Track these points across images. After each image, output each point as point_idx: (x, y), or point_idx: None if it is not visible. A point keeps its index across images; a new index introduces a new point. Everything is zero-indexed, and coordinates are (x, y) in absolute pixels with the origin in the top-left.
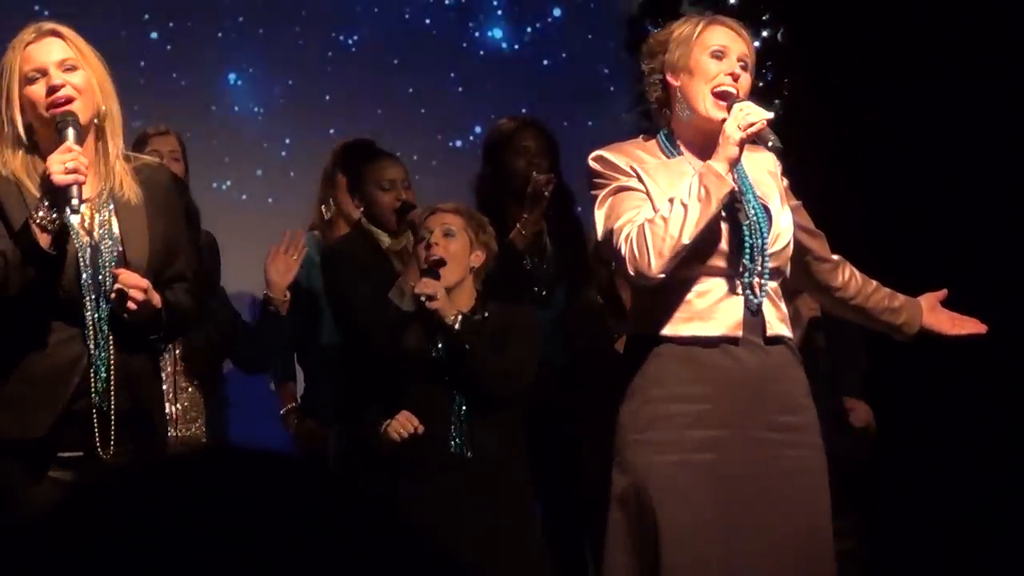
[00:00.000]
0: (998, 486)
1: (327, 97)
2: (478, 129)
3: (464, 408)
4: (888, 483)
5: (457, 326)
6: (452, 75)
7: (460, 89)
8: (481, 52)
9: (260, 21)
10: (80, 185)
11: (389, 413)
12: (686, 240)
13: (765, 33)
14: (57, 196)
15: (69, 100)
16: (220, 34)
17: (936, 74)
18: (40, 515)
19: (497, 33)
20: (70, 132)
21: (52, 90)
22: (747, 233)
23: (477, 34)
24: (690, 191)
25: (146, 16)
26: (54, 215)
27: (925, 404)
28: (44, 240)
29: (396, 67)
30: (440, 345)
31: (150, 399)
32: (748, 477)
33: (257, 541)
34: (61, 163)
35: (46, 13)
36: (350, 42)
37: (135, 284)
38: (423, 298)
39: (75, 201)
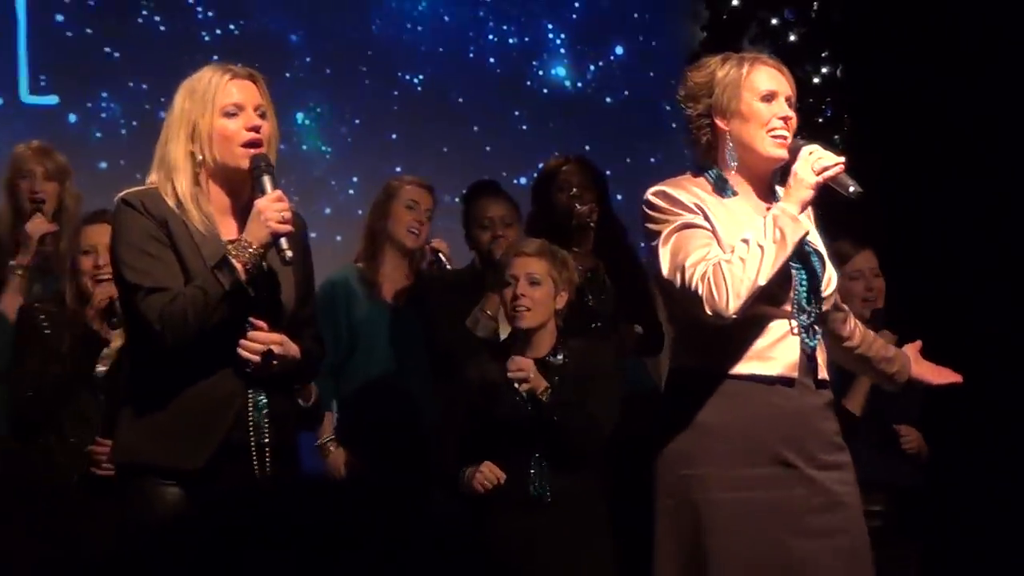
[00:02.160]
0: None
1: (393, 136)
2: (541, 166)
3: (543, 459)
4: (947, 511)
5: (546, 399)
6: (516, 113)
7: (524, 127)
8: (544, 90)
9: (328, 62)
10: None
11: (470, 455)
12: (762, 282)
13: (825, 70)
14: (265, 243)
15: (261, 144)
16: (288, 74)
17: (992, 108)
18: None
19: (560, 71)
20: (268, 179)
21: (254, 129)
22: (806, 276)
23: (540, 73)
24: (765, 232)
25: (215, 56)
26: (258, 258)
27: (982, 433)
28: (234, 281)
29: (461, 105)
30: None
31: (291, 435)
32: (801, 513)
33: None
34: (279, 212)
35: (115, 54)
36: (415, 81)
37: (269, 341)
38: (516, 383)
39: (287, 253)
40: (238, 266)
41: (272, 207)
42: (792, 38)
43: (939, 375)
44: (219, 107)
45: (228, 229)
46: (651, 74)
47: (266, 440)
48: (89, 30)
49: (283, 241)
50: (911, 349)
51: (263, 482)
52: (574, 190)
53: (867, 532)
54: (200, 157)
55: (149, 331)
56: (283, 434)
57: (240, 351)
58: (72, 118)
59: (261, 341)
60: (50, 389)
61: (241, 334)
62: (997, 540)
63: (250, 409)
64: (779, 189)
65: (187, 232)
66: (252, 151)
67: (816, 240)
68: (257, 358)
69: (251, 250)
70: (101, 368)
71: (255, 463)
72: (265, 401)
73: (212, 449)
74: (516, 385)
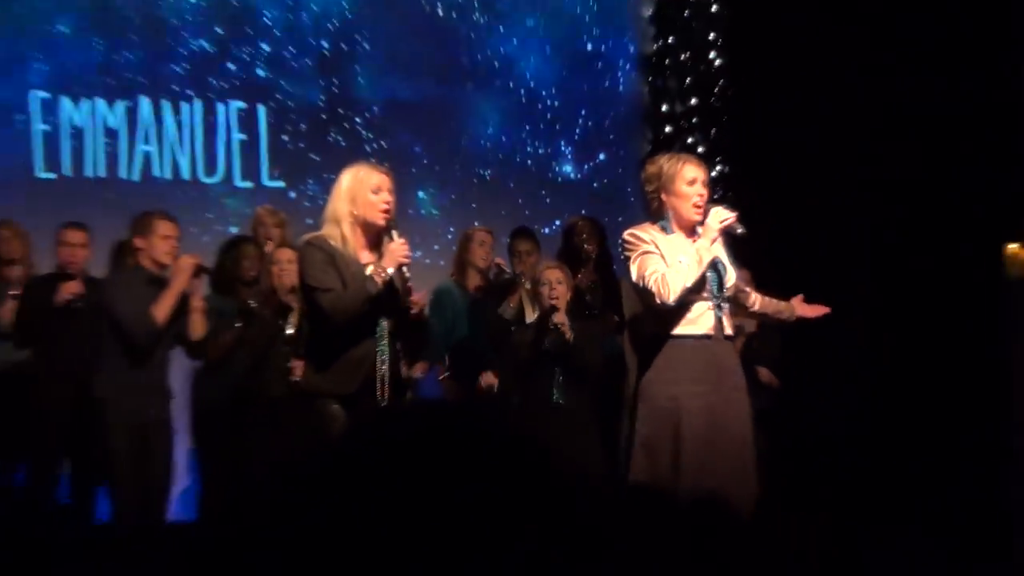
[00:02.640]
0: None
1: (473, 205)
2: (557, 222)
3: (562, 377)
4: (787, 421)
5: (571, 341)
6: (543, 192)
7: (548, 200)
8: (559, 179)
9: (436, 162)
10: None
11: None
12: (688, 284)
13: (718, 168)
14: (394, 269)
15: (390, 215)
16: (414, 169)
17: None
18: (342, 438)
19: (568, 168)
20: (395, 231)
21: (387, 203)
22: (716, 277)
23: (557, 169)
24: (692, 257)
25: (372, 158)
26: (386, 275)
27: (817, 374)
28: (376, 289)
29: (511, 189)
30: (551, 342)
31: (407, 375)
32: (720, 411)
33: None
34: (403, 252)
35: (317, 158)
36: (486, 174)
37: (420, 301)
38: (561, 325)
39: (408, 274)
40: (377, 280)
41: (399, 249)
42: (700, 150)
43: (814, 311)
44: (370, 187)
45: (365, 257)
46: (619, 170)
47: (387, 378)
48: (301, 144)
49: (404, 269)
50: (796, 299)
51: (386, 404)
52: (584, 236)
53: (751, 423)
54: (355, 215)
55: (323, 314)
56: (396, 375)
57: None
58: (292, 195)
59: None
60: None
61: (399, 315)
62: (817, 437)
63: (379, 360)
64: (699, 229)
65: (344, 259)
66: (385, 215)
67: (724, 257)
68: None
69: (384, 274)
70: (289, 330)
71: (379, 391)
72: (386, 357)
73: (358, 382)
74: (559, 326)
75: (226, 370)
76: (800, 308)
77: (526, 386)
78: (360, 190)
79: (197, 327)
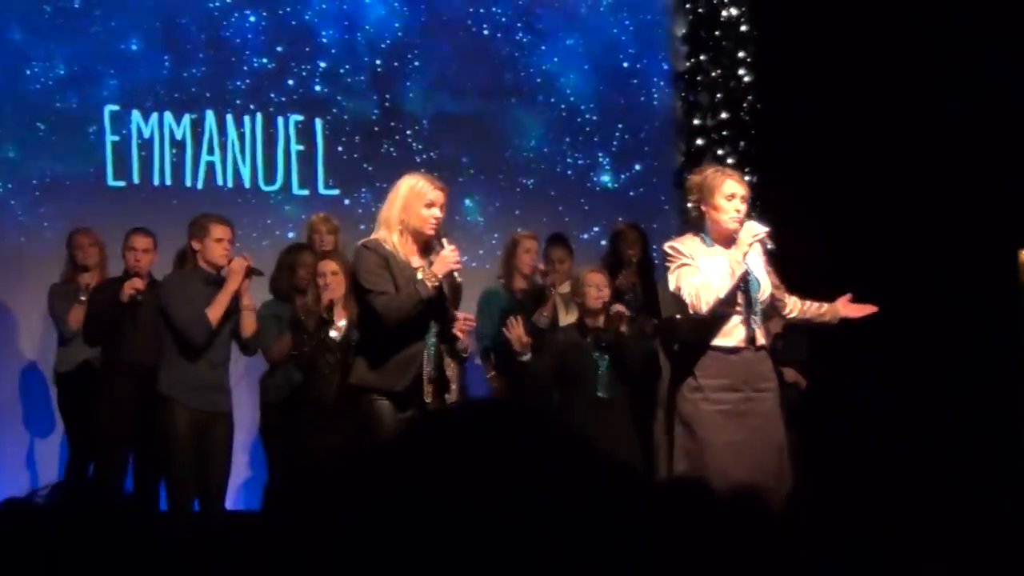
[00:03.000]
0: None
1: (516, 212)
2: (595, 229)
3: (606, 375)
4: (816, 419)
5: (626, 331)
6: (581, 200)
7: (586, 207)
8: (597, 188)
9: (481, 173)
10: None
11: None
12: (722, 296)
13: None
14: (444, 275)
15: (439, 223)
16: (461, 179)
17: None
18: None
19: (606, 179)
20: (445, 240)
21: (438, 219)
22: (748, 292)
23: (595, 178)
24: (726, 271)
25: (420, 169)
26: (436, 281)
27: (854, 375)
28: (427, 293)
29: (552, 197)
30: (595, 341)
31: (450, 376)
32: (749, 414)
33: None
34: (456, 260)
35: (369, 169)
36: (529, 184)
37: (468, 318)
38: (621, 316)
39: (459, 279)
40: (428, 285)
41: (450, 256)
42: (730, 161)
43: (860, 310)
44: (425, 201)
45: (416, 262)
46: (654, 179)
47: (433, 378)
48: (356, 155)
49: (456, 275)
50: (843, 299)
51: (431, 402)
52: (628, 241)
53: (782, 426)
54: (405, 223)
55: (376, 316)
56: (443, 374)
57: (457, 331)
58: (346, 202)
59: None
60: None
61: (446, 323)
62: (847, 436)
63: (426, 360)
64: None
65: (397, 263)
66: (434, 227)
67: (759, 269)
68: (463, 336)
69: (434, 280)
70: (334, 333)
71: (425, 391)
72: (432, 358)
73: (408, 381)
74: (621, 315)
75: (285, 371)
76: (845, 309)
77: (569, 380)
78: (415, 202)
79: (247, 325)
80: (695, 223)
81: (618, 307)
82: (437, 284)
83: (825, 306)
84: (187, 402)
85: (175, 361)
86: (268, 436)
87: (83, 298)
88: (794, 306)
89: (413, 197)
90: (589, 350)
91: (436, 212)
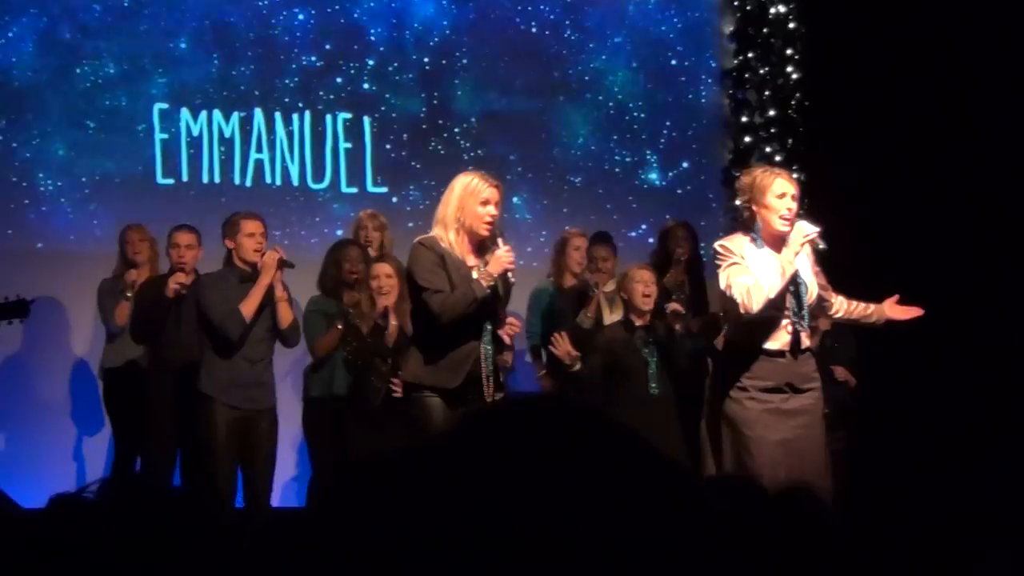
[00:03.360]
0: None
1: (564, 210)
2: (643, 227)
3: (656, 372)
4: (863, 417)
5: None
6: (629, 198)
7: (633, 205)
8: (645, 186)
9: (528, 171)
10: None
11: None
12: (772, 296)
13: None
14: (500, 275)
15: (494, 221)
16: (509, 177)
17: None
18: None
19: (653, 176)
20: (500, 240)
21: (493, 217)
22: (797, 295)
23: (643, 176)
24: (776, 271)
25: (469, 166)
26: (491, 280)
27: (903, 372)
28: (482, 292)
29: (600, 193)
30: (643, 338)
31: (501, 371)
32: (795, 414)
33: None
34: (508, 259)
35: (418, 166)
36: (576, 181)
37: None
38: (674, 313)
39: (513, 280)
40: (483, 283)
41: (505, 256)
42: (777, 159)
43: (906, 313)
44: (480, 199)
45: (471, 261)
46: (702, 177)
47: (490, 374)
48: (404, 152)
49: (510, 275)
50: (889, 301)
51: (487, 399)
52: (677, 239)
53: (823, 423)
54: (461, 221)
55: (431, 313)
56: (498, 370)
57: (502, 334)
58: (394, 200)
59: (514, 327)
60: (365, 353)
61: (497, 323)
62: (897, 435)
63: (482, 358)
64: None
65: (453, 261)
66: (488, 226)
67: (806, 272)
68: (508, 340)
69: (489, 280)
70: (388, 339)
71: (484, 386)
72: (490, 352)
73: (462, 378)
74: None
75: (330, 368)
76: (891, 311)
77: (619, 378)
78: (470, 201)
79: (284, 316)
80: (746, 224)
81: (674, 305)
82: (492, 283)
83: (872, 307)
84: (227, 400)
85: (213, 359)
86: (312, 432)
87: (129, 294)
88: (840, 306)
89: (468, 196)
90: (638, 347)
91: (491, 210)
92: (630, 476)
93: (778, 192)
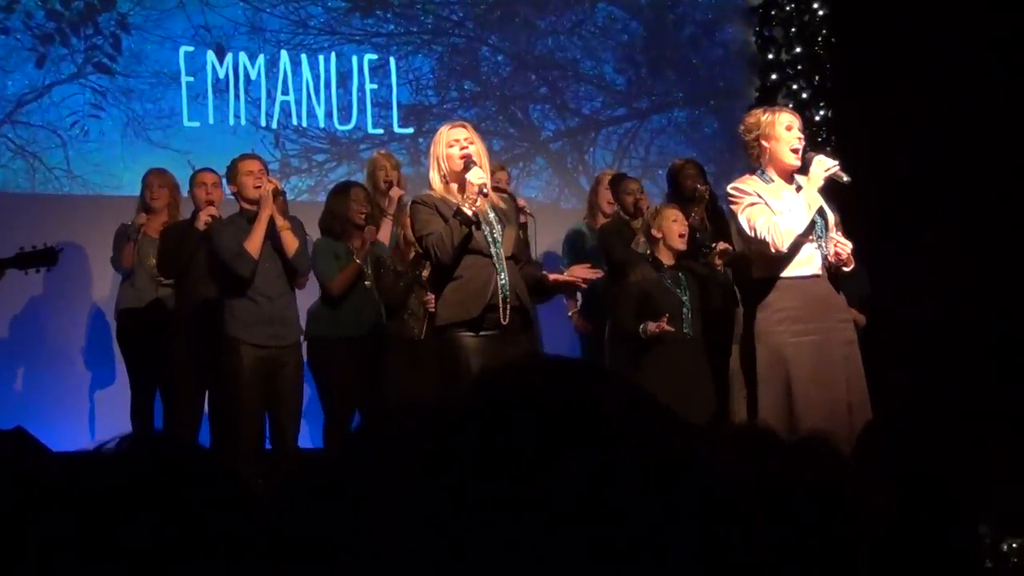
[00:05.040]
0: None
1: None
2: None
3: (691, 312)
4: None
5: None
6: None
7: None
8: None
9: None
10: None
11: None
12: (798, 231)
13: (818, 116)
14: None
15: (467, 155)
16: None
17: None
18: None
19: (679, 113)
20: (474, 168)
21: (464, 148)
22: (821, 224)
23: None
24: (801, 207)
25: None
26: (472, 203)
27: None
28: (466, 217)
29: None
30: (675, 277)
31: (526, 300)
32: (830, 345)
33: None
34: (480, 179)
35: (445, 106)
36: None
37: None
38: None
39: (526, 211)
40: (464, 209)
41: (473, 176)
42: (804, 96)
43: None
44: (447, 143)
45: (458, 200)
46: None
47: (507, 301)
48: (430, 93)
49: (523, 217)
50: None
51: (508, 327)
52: (692, 176)
53: (858, 352)
54: (444, 171)
55: (432, 256)
56: (520, 300)
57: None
58: (420, 141)
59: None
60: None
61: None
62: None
63: (499, 285)
64: (798, 178)
65: (447, 208)
66: (462, 159)
67: (825, 206)
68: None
69: (470, 204)
70: (426, 273)
71: (501, 314)
72: (506, 282)
73: (480, 307)
74: (714, 250)
75: (345, 307)
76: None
77: (654, 320)
78: (441, 150)
79: (289, 244)
80: (755, 162)
81: (723, 244)
82: (474, 205)
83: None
84: (252, 339)
85: (232, 302)
86: (319, 371)
87: (135, 237)
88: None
89: (437, 148)
90: (670, 288)
91: (461, 145)
92: (645, 436)
93: (786, 124)
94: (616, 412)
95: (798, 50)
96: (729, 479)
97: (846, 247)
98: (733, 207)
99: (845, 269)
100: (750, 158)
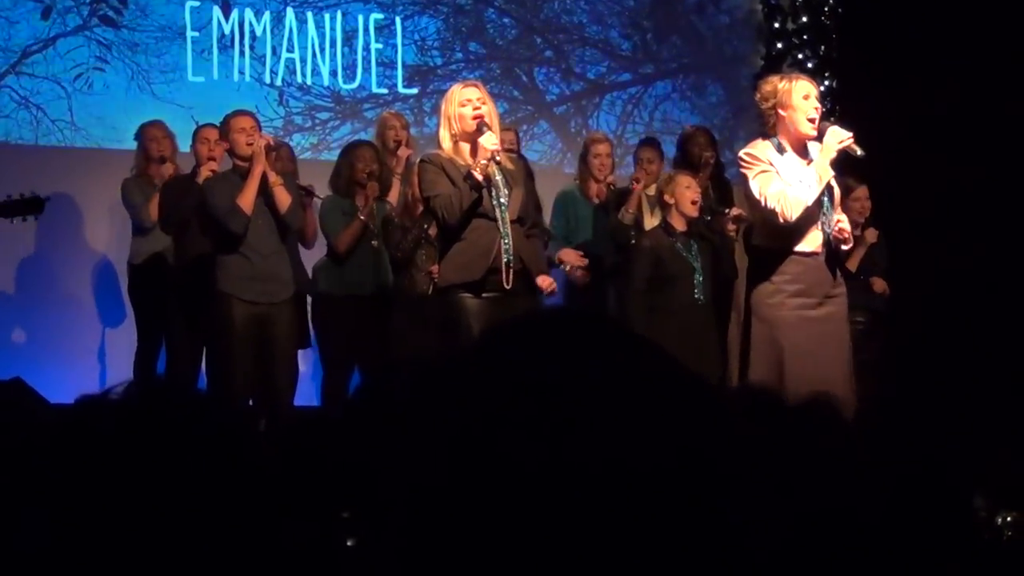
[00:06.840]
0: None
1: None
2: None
3: (703, 278)
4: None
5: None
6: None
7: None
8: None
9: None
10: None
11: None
12: (808, 203)
13: (826, 83)
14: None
15: (480, 116)
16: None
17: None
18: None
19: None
20: (486, 130)
21: (477, 109)
22: (827, 202)
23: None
24: (808, 176)
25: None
26: (483, 168)
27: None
28: (475, 181)
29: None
30: (687, 243)
31: (530, 263)
32: (823, 319)
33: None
34: (493, 142)
35: (451, 68)
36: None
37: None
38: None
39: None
40: (475, 173)
41: (487, 140)
42: (810, 65)
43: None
44: (459, 103)
45: (467, 161)
46: (742, 83)
47: (510, 265)
48: (435, 54)
49: (496, 159)
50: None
51: (510, 290)
52: (700, 143)
53: (848, 327)
54: (455, 130)
55: (439, 217)
56: (522, 262)
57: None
58: (424, 101)
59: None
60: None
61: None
62: (926, 344)
63: (503, 250)
64: (811, 147)
65: (455, 169)
66: (476, 120)
67: (832, 181)
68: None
69: (481, 166)
70: (432, 231)
71: (503, 277)
72: (509, 246)
73: (483, 270)
74: (728, 215)
75: (351, 265)
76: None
77: (665, 285)
78: (452, 109)
79: (282, 200)
80: (771, 131)
81: (737, 210)
82: (485, 170)
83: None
84: (242, 295)
85: (225, 258)
86: (322, 328)
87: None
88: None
89: (449, 106)
90: (682, 253)
91: (474, 105)
92: (654, 391)
93: (803, 93)
94: (622, 364)
95: (804, 19)
96: (738, 438)
97: (847, 227)
98: (745, 171)
99: (844, 247)
100: (764, 126)
